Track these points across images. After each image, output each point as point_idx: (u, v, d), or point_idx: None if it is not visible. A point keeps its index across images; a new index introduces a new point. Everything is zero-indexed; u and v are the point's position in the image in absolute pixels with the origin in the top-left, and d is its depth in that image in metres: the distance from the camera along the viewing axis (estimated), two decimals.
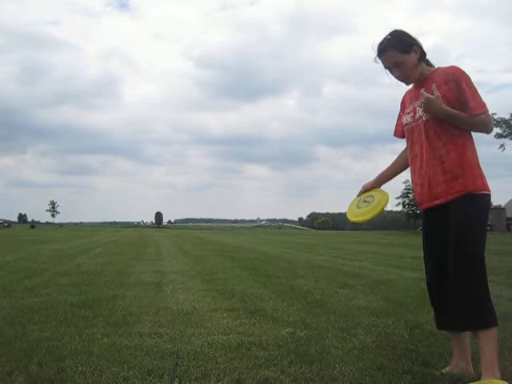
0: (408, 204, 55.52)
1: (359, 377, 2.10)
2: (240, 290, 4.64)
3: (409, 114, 2.18)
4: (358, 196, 2.43)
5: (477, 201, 2.00)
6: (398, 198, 56.13)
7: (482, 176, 2.02)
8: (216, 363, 2.27)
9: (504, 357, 2.37)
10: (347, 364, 2.26)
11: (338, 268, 7.35)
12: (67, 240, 19.26)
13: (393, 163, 2.41)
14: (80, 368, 2.17)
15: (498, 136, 40.12)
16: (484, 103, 1.97)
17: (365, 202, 2.35)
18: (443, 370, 2.16)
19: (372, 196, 2.36)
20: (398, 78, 2.13)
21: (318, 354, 2.42)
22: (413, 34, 2.17)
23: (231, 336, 2.79)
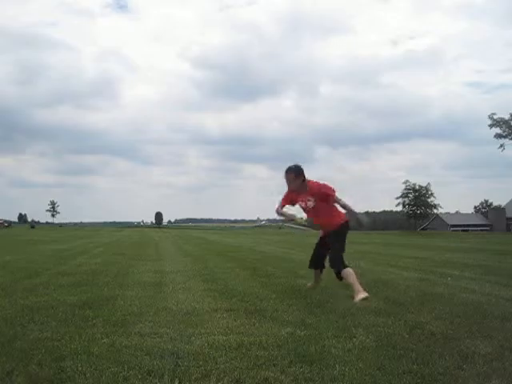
0: (408, 204, 55.53)
1: (359, 377, 2.10)
2: (240, 290, 4.64)
3: (301, 202, 4.44)
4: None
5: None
6: (397, 198, 56.18)
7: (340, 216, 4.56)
8: (216, 363, 2.27)
9: (505, 356, 2.38)
10: (347, 364, 2.26)
11: None
12: (67, 240, 19.27)
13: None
14: (80, 368, 2.17)
15: (498, 136, 40.13)
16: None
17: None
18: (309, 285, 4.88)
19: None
20: (295, 184, 4.38)
21: (317, 354, 2.42)
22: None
23: (231, 336, 2.79)
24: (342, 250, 4.46)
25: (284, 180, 4.43)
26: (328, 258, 4.54)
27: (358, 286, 4.17)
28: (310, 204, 4.41)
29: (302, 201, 4.43)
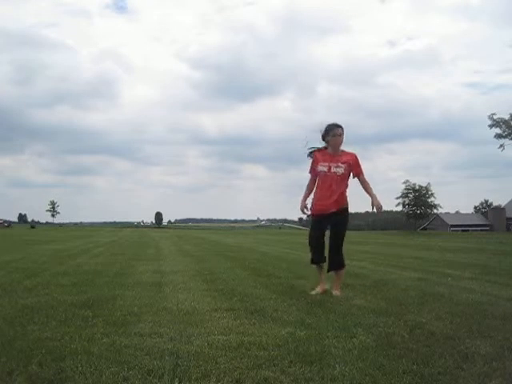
0: (408, 204, 55.53)
1: (359, 377, 2.10)
2: (240, 290, 4.64)
3: (324, 166, 4.24)
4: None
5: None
6: (397, 198, 56.19)
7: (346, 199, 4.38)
8: (216, 363, 2.27)
9: (505, 356, 2.38)
10: (347, 364, 2.26)
11: None
12: (67, 240, 19.27)
13: (310, 190, 4.50)
14: (80, 368, 2.17)
15: (498, 136, 40.15)
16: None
17: None
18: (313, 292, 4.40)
19: None
20: (339, 142, 4.28)
21: (317, 354, 2.42)
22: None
23: (231, 336, 2.79)
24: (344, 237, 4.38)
25: (320, 138, 4.29)
26: (331, 244, 4.32)
27: (341, 281, 4.46)
28: (339, 171, 4.15)
29: (330, 163, 4.18)
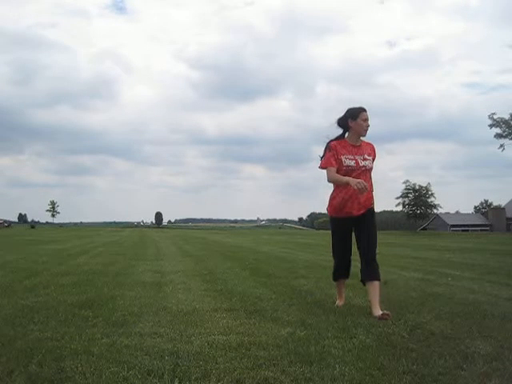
0: (408, 204, 55.47)
1: (359, 377, 2.10)
2: (240, 290, 4.64)
3: (351, 160, 3.49)
4: None
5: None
6: (398, 198, 56.12)
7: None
8: (216, 363, 2.27)
9: (505, 356, 2.38)
10: (347, 364, 2.26)
11: None
12: (67, 240, 19.27)
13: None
14: (80, 368, 2.17)
15: (498, 136, 40.10)
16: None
17: None
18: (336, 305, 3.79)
19: None
20: (367, 126, 3.56)
21: (317, 354, 2.42)
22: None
23: (231, 336, 2.79)
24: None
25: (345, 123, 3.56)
26: (364, 251, 3.60)
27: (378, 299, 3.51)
28: (367, 164, 3.52)
29: (356, 156, 3.50)
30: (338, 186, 3.55)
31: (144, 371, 2.14)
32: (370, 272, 3.53)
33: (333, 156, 3.50)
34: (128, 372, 2.13)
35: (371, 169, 3.58)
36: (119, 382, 2.02)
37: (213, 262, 8.21)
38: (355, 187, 3.21)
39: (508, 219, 59.77)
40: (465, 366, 2.24)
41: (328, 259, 9.44)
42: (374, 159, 3.61)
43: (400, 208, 57.72)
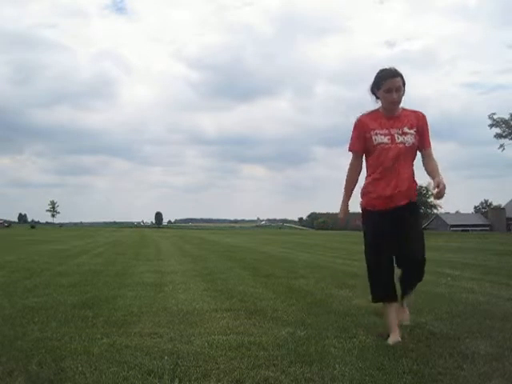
0: None
1: (359, 377, 2.10)
2: (240, 290, 4.64)
3: (385, 136, 2.69)
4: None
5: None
6: None
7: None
8: (216, 363, 2.27)
9: (505, 356, 2.37)
10: (347, 364, 2.26)
11: (337, 268, 7.35)
12: (67, 240, 19.26)
13: (353, 180, 2.90)
14: (80, 368, 2.17)
15: (498, 136, 40.07)
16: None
17: None
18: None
19: None
20: (393, 99, 2.67)
21: (317, 354, 2.42)
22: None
23: (231, 336, 2.79)
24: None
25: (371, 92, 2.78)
26: (409, 248, 2.64)
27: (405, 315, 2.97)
28: (408, 140, 2.65)
29: (391, 130, 2.67)
30: (368, 174, 2.80)
31: (144, 371, 2.14)
32: (412, 285, 2.82)
33: (357, 136, 2.76)
34: (128, 372, 2.13)
35: (414, 146, 2.68)
36: (119, 382, 2.02)
37: (213, 262, 8.21)
38: (340, 220, 2.88)
39: (508, 219, 59.76)
40: (465, 366, 2.24)
41: (328, 259, 9.45)
42: (420, 132, 2.70)
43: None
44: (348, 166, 2.88)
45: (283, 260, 9.13)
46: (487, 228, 60.18)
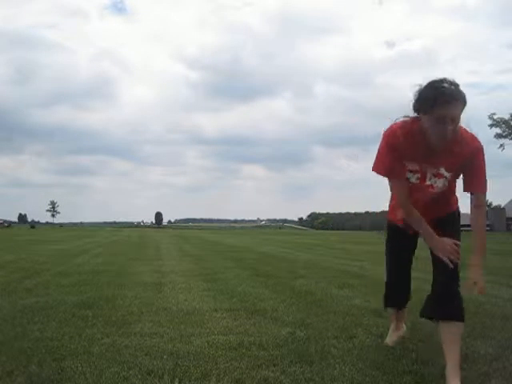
0: None
1: (359, 377, 2.10)
2: (240, 290, 4.64)
3: (414, 173, 2.08)
4: None
5: None
6: None
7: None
8: (216, 363, 2.27)
9: (505, 356, 2.38)
10: (347, 364, 2.26)
11: (338, 268, 7.35)
12: (67, 240, 19.25)
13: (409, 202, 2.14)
14: (80, 368, 2.17)
15: (498, 136, 40.10)
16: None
17: None
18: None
19: None
20: (444, 133, 1.87)
21: (317, 354, 2.42)
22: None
23: (231, 336, 2.79)
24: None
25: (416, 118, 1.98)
26: (439, 272, 2.15)
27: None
28: (439, 184, 2.09)
29: (425, 165, 2.05)
30: (394, 191, 2.32)
31: (144, 371, 2.14)
32: (445, 308, 2.08)
33: (393, 159, 2.04)
34: (128, 372, 2.13)
35: (445, 187, 2.11)
36: (119, 382, 2.02)
37: (213, 262, 8.20)
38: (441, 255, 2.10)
39: (508, 219, 59.78)
40: (465, 366, 2.24)
41: (328, 259, 9.45)
42: (469, 169, 2.02)
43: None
44: (394, 191, 2.25)
45: (283, 260, 9.13)
46: (487, 228, 60.00)
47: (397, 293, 2.66)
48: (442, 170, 2.05)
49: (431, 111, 1.87)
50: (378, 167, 2.10)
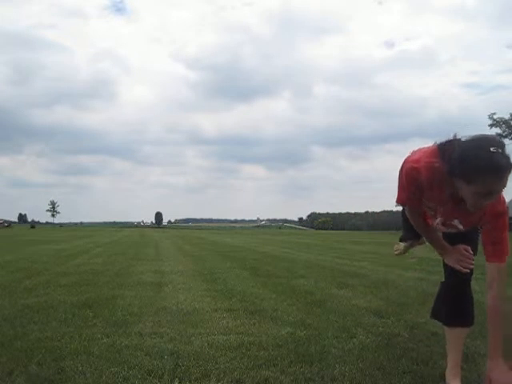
0: None
1: (359, 377, 2.10)
2: (240, 290, 4.64)
3: (430, 209, 1.95)
4: None
5: None
6: None
7: None
8: (216, 363, 2.27)
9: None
10: (347, 364, 2.26)
11: (338, 268, 7.35)
12: (67, 240, 19.25)
13: (425, 224, 2.05)
14: (80, 368, 2.17)
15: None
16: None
17: None
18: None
19: None
20: (481, 206, 1.66)
21: (317, 354, 2.42)
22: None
23: (231, 336, 2.79)
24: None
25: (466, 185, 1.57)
26: None
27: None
28: (451, 230, 2.02)
29: (444, 218, 1.95)
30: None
31: (144, 371, 2.14)
32: (457, 311, 2.01)
33: (410, 193, 1.87)
34: (128, 372, 2.13)
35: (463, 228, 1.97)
36: (119, 382, 2.02)
37: (213, 262, 8.20)
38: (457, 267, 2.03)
39: (508, 219, 59.78)
40: (465, 366, 2.24)
41: (328, 259, 9.45)
42: (490, 231, 1.82)
43: (400, 208, 57.73)
44: (411, 216, 2.06)
45: (283, 260, 9.13)
46: None
47: (410, 231, 2.38)
48: (456, 222, 1.93)
49: (475, 181, 1.53)
50: (402, 199, 1.96)
